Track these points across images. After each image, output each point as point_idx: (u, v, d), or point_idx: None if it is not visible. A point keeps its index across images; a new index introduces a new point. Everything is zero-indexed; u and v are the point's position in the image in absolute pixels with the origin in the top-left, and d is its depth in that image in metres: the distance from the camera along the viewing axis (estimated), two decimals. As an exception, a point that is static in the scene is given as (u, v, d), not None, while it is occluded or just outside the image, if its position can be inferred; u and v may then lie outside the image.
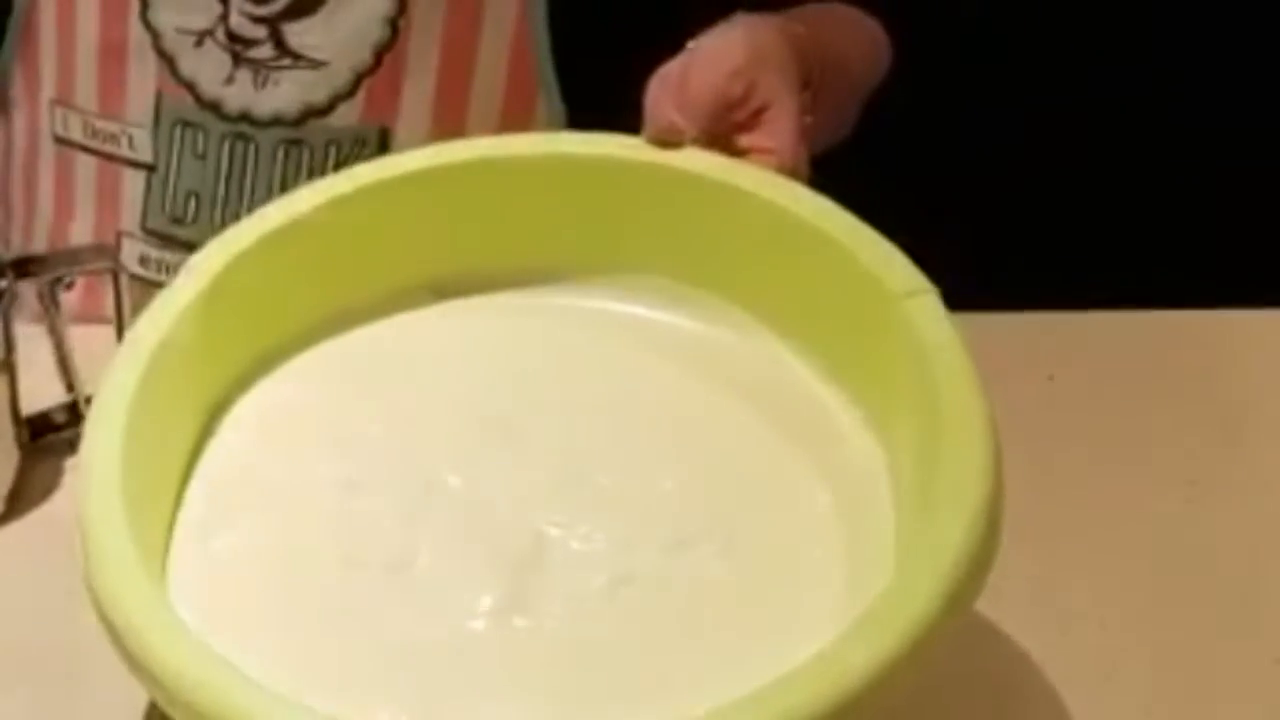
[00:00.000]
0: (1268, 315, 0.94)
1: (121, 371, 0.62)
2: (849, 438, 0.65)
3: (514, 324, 0.72)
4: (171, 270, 0.91)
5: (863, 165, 0.85)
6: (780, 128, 0.74)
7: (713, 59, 0.75)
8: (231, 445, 0.66)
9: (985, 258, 1.23)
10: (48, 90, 0.95)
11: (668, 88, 0.74)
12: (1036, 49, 1.56)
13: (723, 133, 0.73)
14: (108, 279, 0.78)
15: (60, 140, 0.96)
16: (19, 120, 0.97)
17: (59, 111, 0.95)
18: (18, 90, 0.97)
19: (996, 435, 0.58)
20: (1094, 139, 1.59)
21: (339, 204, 0.70)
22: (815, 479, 0.64)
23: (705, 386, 0.69)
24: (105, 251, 0.80)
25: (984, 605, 0.71)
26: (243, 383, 0.68)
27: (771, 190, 0.69)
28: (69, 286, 0.77)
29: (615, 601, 0.60)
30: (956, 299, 0.80)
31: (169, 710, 0.55)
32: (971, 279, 0.70)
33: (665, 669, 0.58)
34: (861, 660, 0.51)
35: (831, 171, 0.77)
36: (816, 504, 0.63)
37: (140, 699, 0.65)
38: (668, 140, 0.72)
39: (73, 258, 0.81)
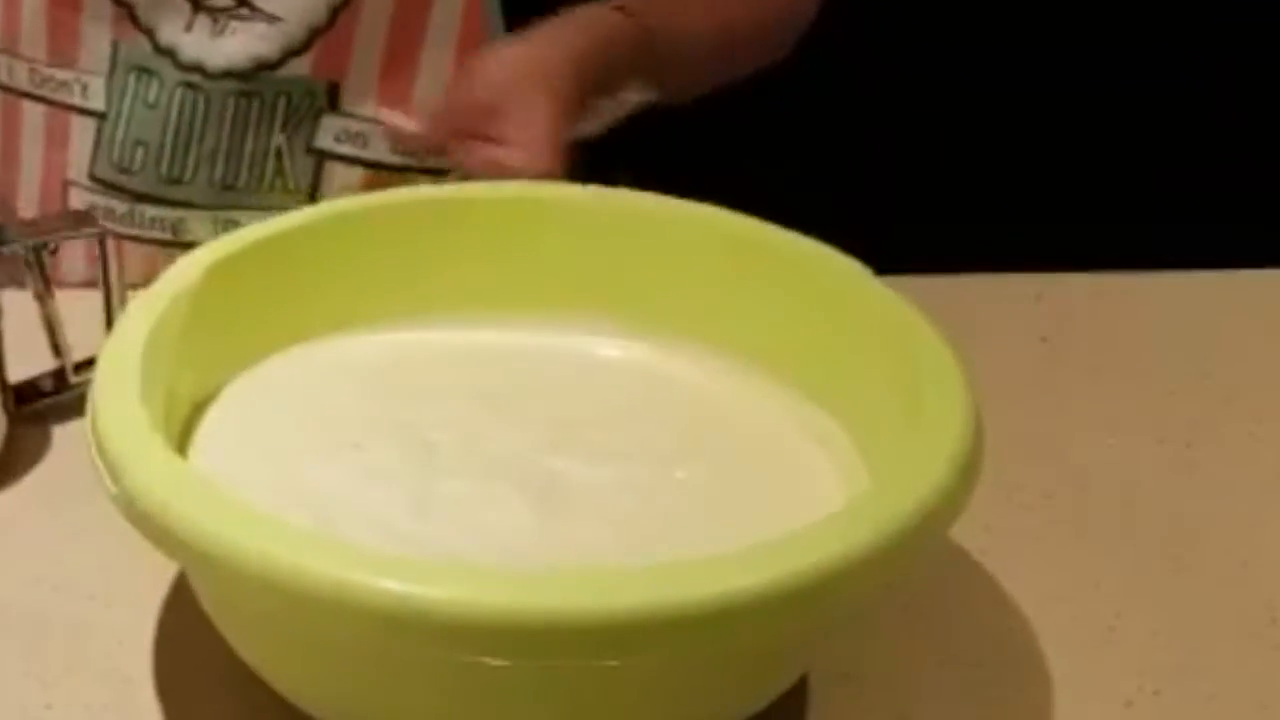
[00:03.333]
0: (1263, 275, 0.94)
1: (125, 336, 0.62)
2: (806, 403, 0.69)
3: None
4: (119, 219, 0.93)
5: (857, 127, 0.84)
6: (532, 137, 0.80)
7: (475, 70, 0.83)
8: (229, 419, 0.67)
9: (978, 219, 1.23)
10: None
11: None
12: (1028, 10, 1.56)
13: (474, 138, 0.81)
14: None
15: (5, 89, 0.95)
16: None
17: (3, 60, 0.95)
18: None
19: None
20: (1090, 98, 1.59)
21: (314, 230, 0.70)
22: (798, 430, 0.68)
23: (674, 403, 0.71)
24: (91, 218, 0.80)
25: (981, 566, 0.71)
26: (234, 374, 0.69)
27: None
28: (53, 252, 0.76)
29: (636, 506, 0.64)
30: (951, 260, 0.80)
31: (195, 570, 0.55)
32: (965, 240, 0.70)
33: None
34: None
35: (827, 130, 0.77)
36: (805, 448, 0.67)
37: (138, 668, 0.65)
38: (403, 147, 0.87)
39: (59, 224, 0.81)
